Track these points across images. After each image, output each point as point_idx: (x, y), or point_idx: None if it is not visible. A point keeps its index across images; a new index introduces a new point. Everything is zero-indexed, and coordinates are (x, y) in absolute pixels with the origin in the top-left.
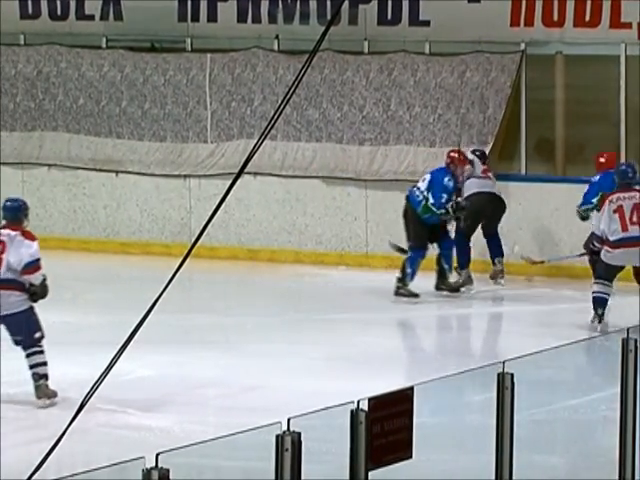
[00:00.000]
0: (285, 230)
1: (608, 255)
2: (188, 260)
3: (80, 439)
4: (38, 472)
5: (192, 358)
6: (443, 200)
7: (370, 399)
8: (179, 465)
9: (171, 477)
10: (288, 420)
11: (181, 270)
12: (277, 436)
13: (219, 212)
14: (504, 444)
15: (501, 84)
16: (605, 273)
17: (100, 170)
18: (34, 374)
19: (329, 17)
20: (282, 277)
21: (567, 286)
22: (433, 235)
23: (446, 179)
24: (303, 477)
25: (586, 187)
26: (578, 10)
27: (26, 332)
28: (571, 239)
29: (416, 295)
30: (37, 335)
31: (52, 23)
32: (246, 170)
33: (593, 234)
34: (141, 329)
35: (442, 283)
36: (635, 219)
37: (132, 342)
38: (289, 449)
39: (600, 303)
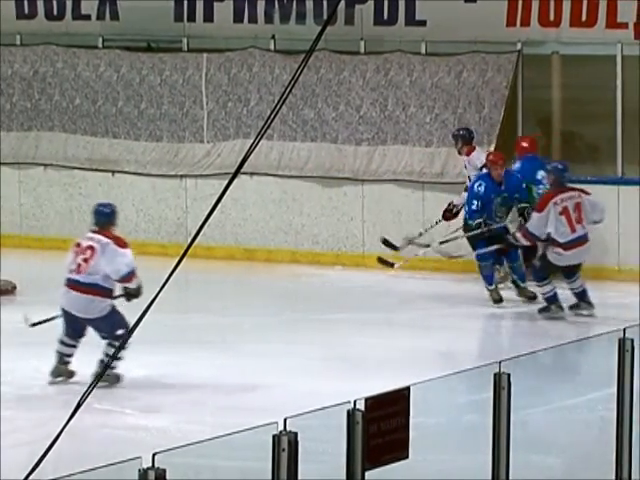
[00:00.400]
0: (282, 230)
1: (559, 257)
2: (185, 260)
3: (77, 439)
4: (35, 472)
5: (189, 358)
6: (473, 207)
7: (367, 399)
8: (176, 465)
9: (167, 477)
10: (285, 420)
11: (177, 270)
12: (274, 436)
13: (215, 212)
14: (501, 444)
15: (497, 84)
16: (549, 273)
17: (96, 170)
18: (101, 360)
19: (325, 17)
20: (279, 277)
21: (561, 286)
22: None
23: (476, 185)
24: (300, 477)
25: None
26: (574, 10)
27: (109, 330)
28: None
29: (497, 300)
30: (119, 332)
31: (48, 23)
32: (242, 170)
33: (526, 231)
34: (138, 329)
35: (520, 293)
36: (578, 218)
37: (128, 342)
38: (286, 449)
39: (556, 298)
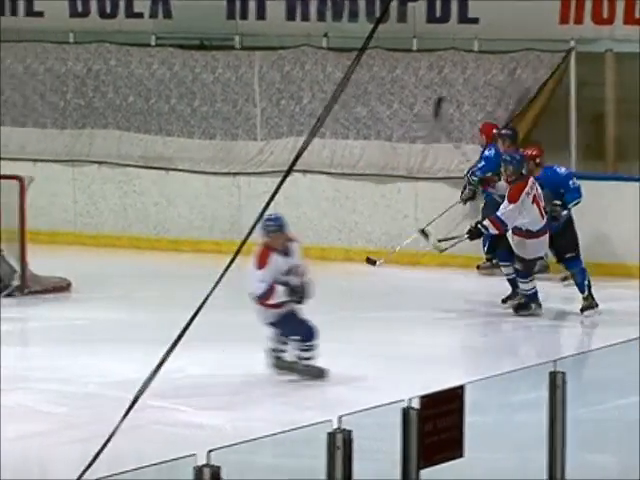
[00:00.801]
0: (335, 228)
1: (534, 249)
2: (239, 257)
3: (131, 437)
4: (89, 470)
5: (243, 356)
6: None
7: (421, 397)
8: (230, 463)
9: (222, 475)
10: (339, 418)
11: (231, 267)
12: (328, 434)
13: (269, 209)
14: (556, 443)
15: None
16: (532, 269)
17: (150, 168)
18: (298, 358)
19: (378, 15)
20: (332, 275)
21: (616, 284)
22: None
23: None
24: (354, 475)
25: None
26: (628, 7)
27: (287, 334)
28: (622, 235)
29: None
30: (295, 337)
31: (101, 21)
32: (295, 168)
33: (496, 219)
34: (191, 327)
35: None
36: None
37: (182, 339)
38: (340, 447)
39: (537, 296)
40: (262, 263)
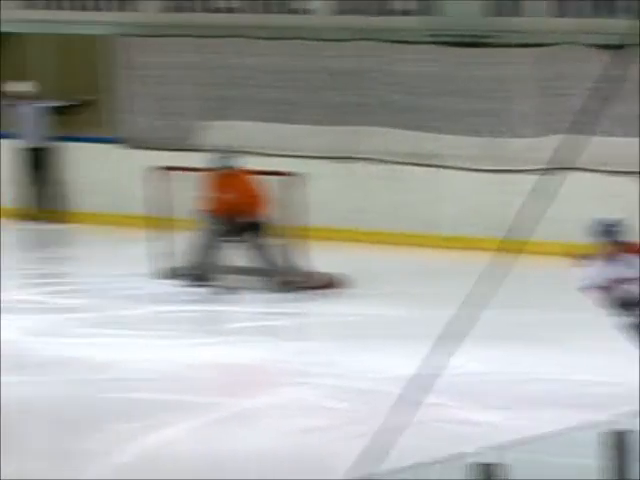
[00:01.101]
0: None
1: None
2: (514, 256)
3: (413, 433)
4: (374, 464)
5: (522, 353)
6: None
7: None
8: (511, 460)
9: (509, 473)
10: (620, 417)
11: (509, 265)
12: (599, 434)
13: (540, 207)
14: None
15: None
16: None
17: (420, 165)
18: None
19: None
20: None
21: None
22: None
23: None
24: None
25: None
26: None
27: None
28: None
29: None
30: None
31: (372, 18)
32: (561, 165)
33: None
34: (469, 324)
35: None
36: None
37: (460, 337)
38: (620, 447)
39: None
40: (580, 262)
